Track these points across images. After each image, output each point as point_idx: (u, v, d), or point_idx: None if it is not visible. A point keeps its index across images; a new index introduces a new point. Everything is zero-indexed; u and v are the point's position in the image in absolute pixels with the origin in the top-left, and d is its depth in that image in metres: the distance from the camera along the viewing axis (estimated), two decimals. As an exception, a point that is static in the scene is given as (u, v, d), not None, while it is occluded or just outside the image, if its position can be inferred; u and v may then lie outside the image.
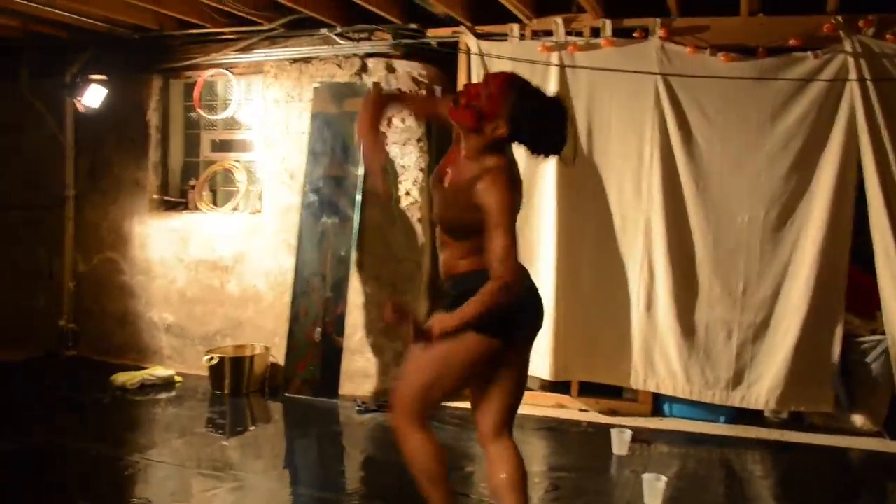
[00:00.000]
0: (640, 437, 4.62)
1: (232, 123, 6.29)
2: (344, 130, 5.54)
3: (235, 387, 5.52)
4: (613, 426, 4.57)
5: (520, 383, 2.95)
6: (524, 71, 5.07)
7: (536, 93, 2.73)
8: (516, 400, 2.93)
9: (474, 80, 5.22)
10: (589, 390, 5.29)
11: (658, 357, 5.00)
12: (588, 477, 4.12)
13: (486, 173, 2.64)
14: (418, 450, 2.82)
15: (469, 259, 2.77)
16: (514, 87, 2.69)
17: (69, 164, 6.57)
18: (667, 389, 5.01)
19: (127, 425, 4.96)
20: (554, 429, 4.93)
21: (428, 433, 2.83)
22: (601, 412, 5.20)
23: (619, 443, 4.41)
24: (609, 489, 4.02)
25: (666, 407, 5.16)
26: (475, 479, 4.03)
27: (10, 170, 6.73)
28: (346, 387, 5.48)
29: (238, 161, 6.21)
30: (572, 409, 5.25)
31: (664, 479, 3.65)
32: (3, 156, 6.75)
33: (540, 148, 2.76)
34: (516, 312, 2.70)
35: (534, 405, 5.28)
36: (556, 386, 5.30)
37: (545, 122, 2.72)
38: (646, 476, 3.70)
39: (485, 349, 2.71)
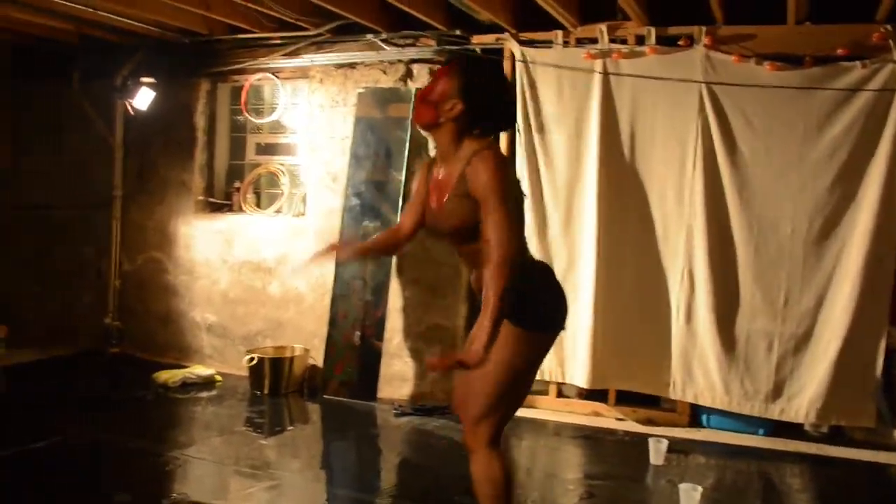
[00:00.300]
0: (677, 448, 4.58)
1: (277, 127, 6.37)
2: (387, 135, 5.58)
3: (274, 387, 5.58)
4: (650, 436, 4.54)
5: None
6: (568, 78, 5.11)
7: (479, 63, 2.80)
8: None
9: (518, 87, 5.24)
10: (625, 399, 5.26)
11: (697, 367, 4.95)
12: (624, 485, 4.10)
13: (472, 157, 2.57)
14: (488, 477, 2.66)
15: None
16: (458, 66, 2.68)
17: (117, 165, 6.70)
18: (705, 400, 4.96)
19: (168, 422, 5.04)
20: (590, 437, 4.91)
21: (501, 458, 2.69)
22: (638, 421, 5.16)
23: (656, 452, 4.38)
24: (645, 498, 4.00)
25: (704, 418, 5.10)
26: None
27: (61, 170, 6.88)
28: (384, 390, 5.52)
29: (282, 164, 6.29)
30: (608, 418, 5.22)
31: (700, 489, 3.62)
32: (54, 156, 6.91)
33: (498, 117, 2.74)
34: (549, 303, 2.71)
35: (570, 413, 5.27)
36: (593, 394, 5.28)
37: (494, 89, 2.71)
38: (682, 486, 3.67)
39: (534, 346, 2.68)
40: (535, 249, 5.25)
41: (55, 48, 6.55)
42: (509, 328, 2.54)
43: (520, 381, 2.71)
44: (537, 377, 5.28)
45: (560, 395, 5.39)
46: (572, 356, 5.18)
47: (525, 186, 5.27)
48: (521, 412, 5.22)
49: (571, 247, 5.17)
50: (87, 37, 6.23)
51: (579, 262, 5.14)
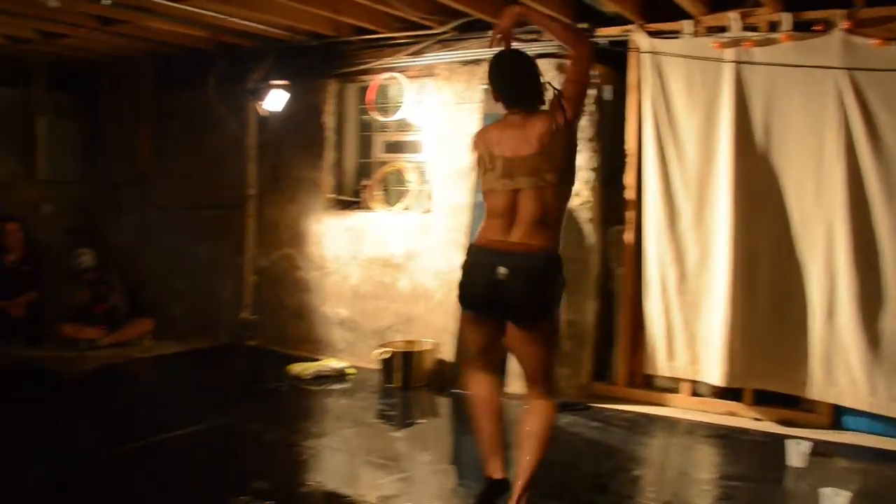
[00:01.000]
0: (817, 450, 4.38)
1: (404, 125, 6.46)
2: (512, 131, 5.57)
3: (405, 380, 5.68)
4: (787, 437, 4.38)
5: (527, 351, 3.27)
6: (697, 68, 4.98)
7: (497, 60, 3.39)
8: (529, 373, 3.32)
9: (644, 79, 5.15)
10: (762, 399, 5.08)
11: (839, 366, 4.74)
12: (762, 487, 3.97)
13: (548, 110, 3.24)
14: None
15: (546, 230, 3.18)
16: (489, 64, 3.41)
17: (251, 165, 6.96)
18: (848, 401, 4.74)
19: (302, 413, 5.20)
20: (725, 436, 4.77)
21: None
22: (775, 422, 4.98)
23: (796, 454, 4.21)
24: (785, 502, 3.88)
25: (847, 420, 4.86)
26: (642, 484, 3.98)
27: (201, 171, 7.20)
28: (513, 385, 5.51)
29: (409, 161, 6.38)
30: (744, 418, 5.06)
31: (844, 494, 3.48)
32: (193, 158, 7.23)
33: (520, 97, 3.29)
34: (460, 279, 3.29)
35: (704, 412, 5.15)
36: (728, 393, 5.13)
37: (495, 76, 3.36)
38: (824, 490, 3.54)
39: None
40: (664, 242, 5.16)
41: (192, 57, 6.84)
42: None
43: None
44: (669, 374, 5.22)
45: (694, 393, 5.27)
46: (706, 353, 5.06)
47: (654, 178, 5.18)
48: (653, 409, 5.16)
49: (704, 241, 5.05)
50: (222, 44, 6.49)
51: (712, 256, 5.01)
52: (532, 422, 3.28)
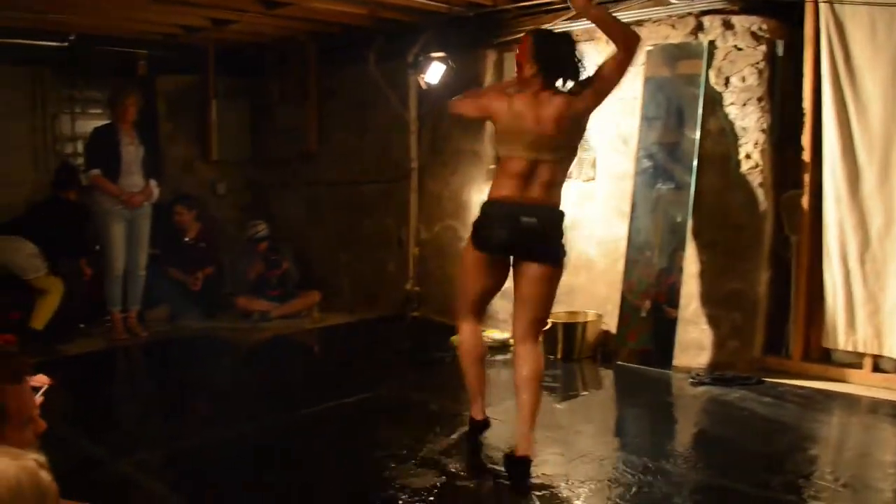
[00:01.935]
0: None
1: (563, 92, 6.33)
2: (678, 94, 5.35)
3: (567, 352, 5.60)
4: None
5: (530, 300, 3.60)
6: (883, 17, 4.61)
7: (549, 35, 3.71)
8: (533, 314, 3.62)
9: (822, 31, 4.82)
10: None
11: None
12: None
13: (576, 94, 3.55)
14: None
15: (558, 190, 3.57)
16: (533, 36, 3.62)
17: (412, 138, 7.02)
18: None
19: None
20: (914, 414, 4.43)
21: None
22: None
23: None
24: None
25: None
26: (819, 464, 3.75)
27: (366, 146, 7.35)
28: (680, 358, 5.34)
29: (570, 130, 6.24)
30: (937, 395, 4.69)
31: None
32: (357, 134, 7.38)
33: (561, 74, 3.54)
34: (480, 228, 3.61)
35: (888, 389, 4.79)
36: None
37: (544, 50, 3.51)
38: None
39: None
40: (845, 207, 4.84)
41: (353, 35, 6.96)
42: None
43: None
44: (849, 348, 4.89)
45: (876, 369, 4.92)
46: (891, 327, 4.71)
47: (833, 138, 4.84)
48: (830, 385, 4.87)
49: (889, 205, 4.69)
50: (381, 20, 6.55)
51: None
52: (530, 366, 3.60)
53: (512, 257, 3.63)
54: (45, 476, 1.41)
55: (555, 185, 3.57)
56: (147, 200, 6.22)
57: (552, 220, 3.60)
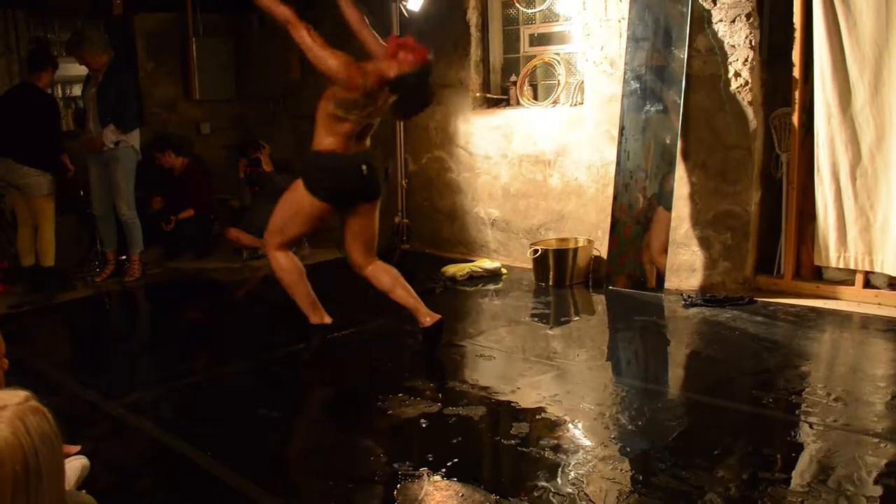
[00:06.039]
0: None
1: (550, 16, 6.21)
2: (665, 12, 5.24)
3: (559, 279, 5.60)
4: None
5: (372, 223, 4.19)
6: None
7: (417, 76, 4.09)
8: (372, 233, 4.21)
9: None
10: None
11: None
12: (946, 382, 3.68)
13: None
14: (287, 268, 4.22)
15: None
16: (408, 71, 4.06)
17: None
18: None
19: (457, 314, 5.21)
20: (904, 329, 4.45)
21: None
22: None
23: None
24: (972, 396, 3.58)
25: None
26: (810, 380, 3.76)
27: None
28: (672, 280, 5.34)
29: (557, 54, 6.15)
30: (927, 309, 4.70)
31: None
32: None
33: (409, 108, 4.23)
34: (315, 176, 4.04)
35: (879, 305, 4.81)
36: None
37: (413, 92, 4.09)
38: None
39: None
40: (836, 123, 4.78)
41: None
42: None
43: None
44: (840, 266, 4.90)
45: (867, 285, 4.93)
46: (882, 242, 4.70)
47: (824, 52, 4.75)
48: (822, 303, 4.88)
49: (881, 120, 4.63)
50: (362, -57, 6.37)
51: (890, 137, 4.60)
52: (388, 273, 4.25)
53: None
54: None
55: (365, 137, 4.12)
56: (101, 146, 6.03)
57: (374, 164, 4.18)
